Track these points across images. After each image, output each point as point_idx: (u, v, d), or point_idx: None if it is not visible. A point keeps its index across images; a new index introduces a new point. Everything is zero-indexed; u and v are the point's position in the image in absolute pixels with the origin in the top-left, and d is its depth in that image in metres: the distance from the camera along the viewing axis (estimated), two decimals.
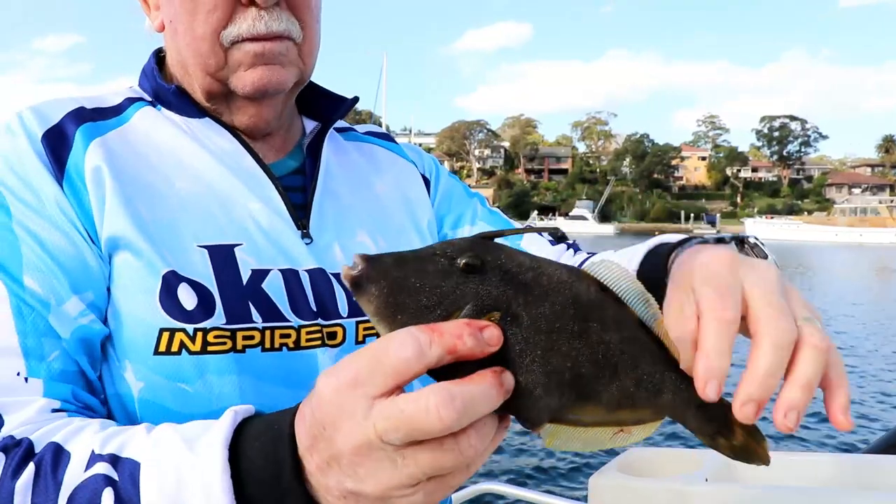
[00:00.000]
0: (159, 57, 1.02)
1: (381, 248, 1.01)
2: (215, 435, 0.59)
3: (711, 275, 0.55)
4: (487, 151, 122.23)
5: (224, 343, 0.82)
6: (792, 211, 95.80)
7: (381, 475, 0.50)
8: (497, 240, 0.54)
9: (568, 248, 1.13)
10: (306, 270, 0.92)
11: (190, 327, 0.81)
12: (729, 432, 0.56)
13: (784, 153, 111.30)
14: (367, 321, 0.93)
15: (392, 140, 1.21)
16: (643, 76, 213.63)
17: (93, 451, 0.65)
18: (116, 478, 0.62)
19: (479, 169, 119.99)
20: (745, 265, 0.57)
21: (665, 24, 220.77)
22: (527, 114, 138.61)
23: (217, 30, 0.88)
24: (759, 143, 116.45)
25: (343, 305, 0.93)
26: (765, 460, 0.56)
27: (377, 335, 0.52)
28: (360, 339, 0.94)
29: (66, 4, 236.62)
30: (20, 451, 0.67)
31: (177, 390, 0.81)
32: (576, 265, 0.83)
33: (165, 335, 0.80)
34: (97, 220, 0.83)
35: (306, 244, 0.94)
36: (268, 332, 0.85)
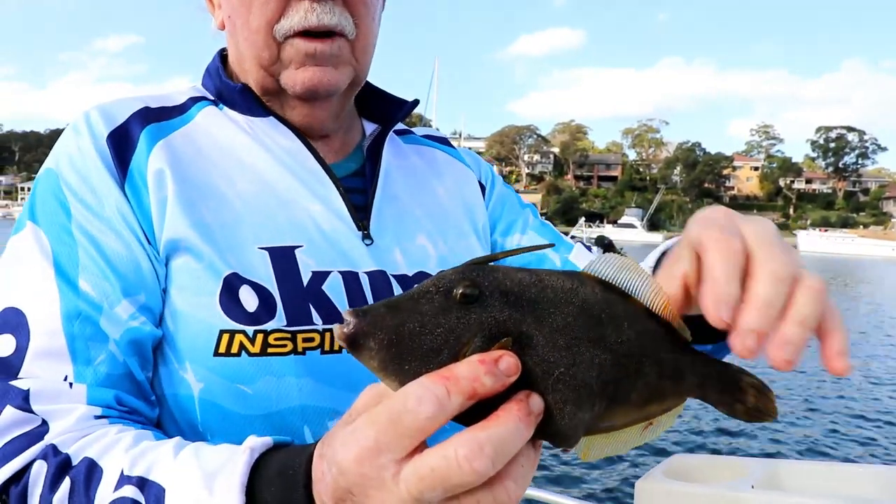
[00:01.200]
0: (222, 57, 1.03)
1: (440, 251, 1.01)
2: (233, 477, 0.59)
3: (710, 221, 0.55)
4: (537, 157, 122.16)
5: (285, 345, 0.82)
6: (847, 224, 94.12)
7: None
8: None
9: None
10: (366, 272, 0.91)
11: (250, 329, 0.81)
12: (744, 396, 0.56)
13: (840, 165, 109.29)
14: None
15: (450, 144, 1.21)
16: (697, 84, 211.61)
17: (122, 472, 0.66)
18: (143, 502, 0.64)
19: (527, 174, 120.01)
20: (741, 217, 0.57)
21: (721, 33, 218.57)
22: (577, 120, 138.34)
23: (271, 22, 0.89)
24: (815, 154, 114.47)
25: None
26: (774, 414, 0.56)
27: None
28: None
29: (127, 5, 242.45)
30: (59, 462, 0.69)
31: (236, 391, 0.81)
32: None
33: (225, 337, 0.80)
34: (156, 223, 0.84)
35: (366, 245, 0.94)
36: (327, 335, 0.85)
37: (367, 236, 0.94)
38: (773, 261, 0.52)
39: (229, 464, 0.61)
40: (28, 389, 0.73)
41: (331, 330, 0.85)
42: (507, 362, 0.47)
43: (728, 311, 0.49)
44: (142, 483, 0.65)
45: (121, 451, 0.69)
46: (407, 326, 0.48)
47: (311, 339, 0.84)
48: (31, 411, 0.72)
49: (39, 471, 0.69)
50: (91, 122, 0.88)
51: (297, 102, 0.96)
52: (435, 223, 1.04)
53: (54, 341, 0.76)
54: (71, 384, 0.75)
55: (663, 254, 0.85)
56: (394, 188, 1.03)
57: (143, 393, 0.81)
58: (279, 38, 0.90)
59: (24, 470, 0.70)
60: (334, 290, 0.88)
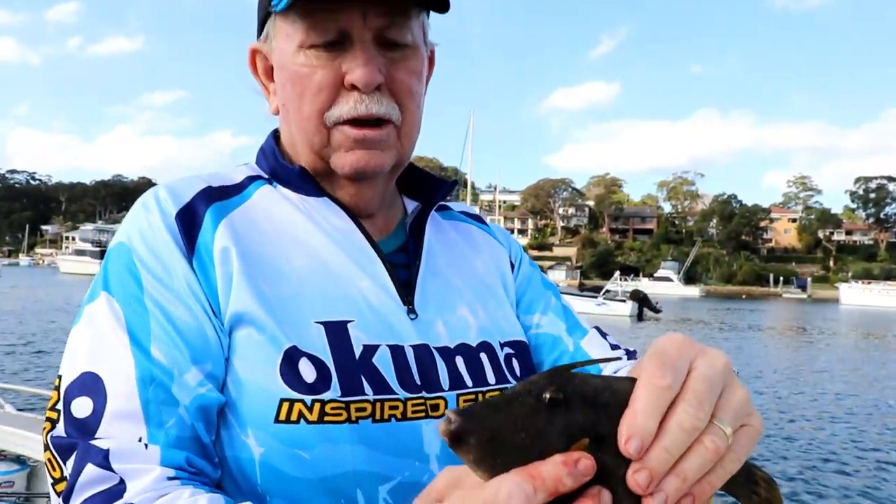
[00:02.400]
0: (276, 138, 1.10)
1: (481, 320, 1.06)
2: None
3: (659, 351, 0.57)
4: (572, 210, 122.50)
5: (340, 414, 0.86)
6: (890, 276, 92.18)
7: None
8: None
9: (626, 354, 1.17)
10: (411, 346, 0.96)
11: (308, 398, 0.86)
12: (757, 488, 0.61)
13: (881, 215, 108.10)
14: (468, 393, 0.98)
15: (484, 221, 1.28)
16: (732, 136, 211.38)
17: None
18: None
19: (562, 227, 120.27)
20: (696, 348, 0.58)
21: (758, 84, 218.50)
22: (613, 172, 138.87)
23: (322, 110, 0.95)
24: (854, 205, 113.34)
25: (444, 379, 0.97)
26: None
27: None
28: None
29: (176, 61, 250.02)
30: None
31: (295, 457, 0.85)
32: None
33: (285, 405, 0.85)
34: (222, 297, 0.89)
35: (411, 319, 0.99)
36: (378, 404, 0.89)
37: (411, 311, 0.99)
38: (688, 408, 0.53)
39: None
40: (108, 449, 0.77)
41: (381, 400, 0.90)
42: (585, 464, 0.50)
43: (636, 445, 0.52)
44: None
45: None
46: (503, 426, 0.52)
47: (364, 409, 0.88)
48: (110, 469, 0.76)
49: None
50: (160, 200, 0.94)
51: (346, 182, 1.02)
52: (475, 293, 1.10)
53: (130, 404, 0.80)
54: (146, 445, 0.79)
55: None
56: (436, 262, 1.09)
57: (208, 455, 0.86)
58: (329, 125, 0.96)
59: None
60: (383, 362, 0.92)
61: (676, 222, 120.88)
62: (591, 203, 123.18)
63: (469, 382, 0.99)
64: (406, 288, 1.01)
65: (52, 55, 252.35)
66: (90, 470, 0.76)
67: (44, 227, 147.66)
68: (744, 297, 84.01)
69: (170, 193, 0.95)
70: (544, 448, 0.52)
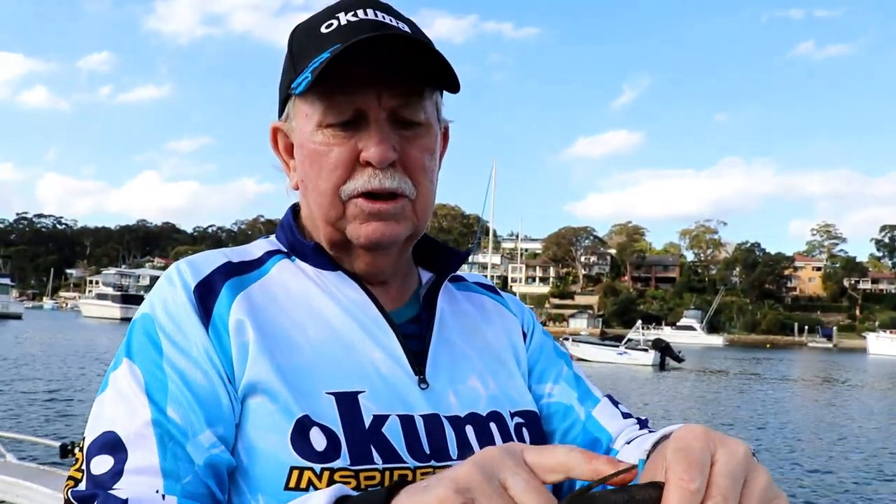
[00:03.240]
0: (294, 213, 1.15)
1: (491, 390, 1.09)
2: (320, 495, 0.69)
3: (684, 446, 0.58)
4: (594, 258, 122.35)
5: (349, 482, 0.88)
6: None
7: None
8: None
9: (637, 423, 1.18)
10: (421, 416, 0.98)
11: (318, 467, 0.88)
12: None
13: None
14: None
15: (497, 292, 1.31)
16: (756, 184, 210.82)
17: None
18: None
19: (584, 275, 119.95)
20: (717, 439, 0.60)
21: (783, 132, 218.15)
22: (635, 220, 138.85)
23: (337, 185, 0.99)
24: (880, 253, 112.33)
25: (453, 448, 0.98)
26: None
27: None
28: None
29: (202, 108, 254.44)
30: None
31: None
32: (642, 443, 1.01)
33: (295, 473, 0.87)
34: (237, 365, 0.93)
35: (422, 389, 1.01)
36: (387, 473, 0.91)
37: (423, 381, 1.01)
38: None
39: (312, 495, 0.72)
40: (127, 499, 0.80)
41: (391, 469, 0.92)
42: None
43: None
44: None
45: None
46: None
47: (373, 478, 0.90)
48: None
49: None
50: (182, 273, 1.00)
51: (362, 252, 1.05)
52: (486, 364, 1.12)
53: (148, 460, 0.84)
54: (164, 496, 0.83)
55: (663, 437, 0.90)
56: (448, 333, 1.11)
57: None
58: (344, 198, 1.00)
59: None
60: (393, 432, 0.94)
61: (699, 270, 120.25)
62: (613, 251, 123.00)
63: (477, 451, 0.98)
64: (418, 358, 1.03)
65: (82, 102, 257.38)
66: None
67: (68, 271, 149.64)
68: (768, 346, 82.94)
69: (190, 267, 1.01)
70: None
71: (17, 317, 64.29)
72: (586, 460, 0.60)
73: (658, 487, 0.56)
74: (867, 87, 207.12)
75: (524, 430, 1.08)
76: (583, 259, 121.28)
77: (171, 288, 0.99)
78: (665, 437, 0.89)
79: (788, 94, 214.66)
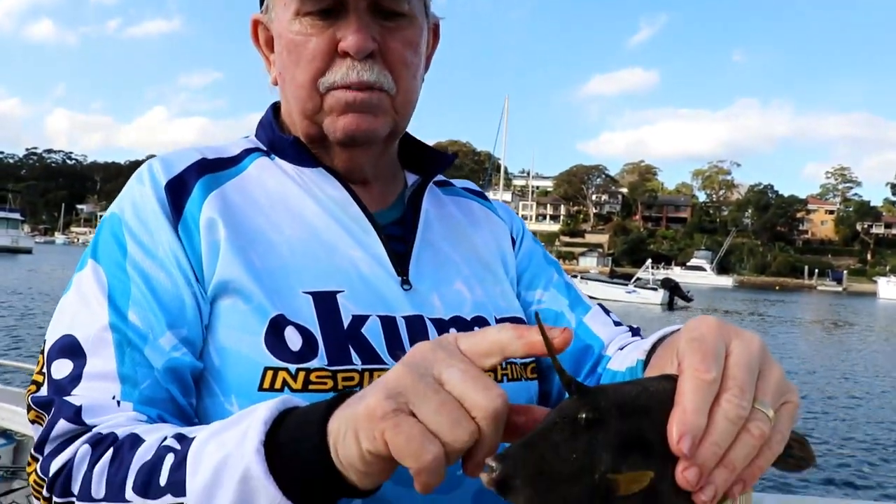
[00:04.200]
0: (275, 110, 1.12)
1: (476, 296, 1.07)
2: (258, 411, 0.67)
3: (697, 336, 0.57)
4: (605, 197, 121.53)
5: (325, 383, 0.87)
6: None
7: None
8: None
9: (629, 331, 1.17)
10: (403, 317, 0.97)
11: (293, 367, 0.86)
12: (791, 449, 0.61)
13: None
14: None
15: (486, 198, 1.29)
16: (772, 125, 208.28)
17: (164, 435, 0.74)
18: (179, 447, 0.71)
19: (595, 214, 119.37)
20: (731, 331, 0.59)
21: (801, 73, 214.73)
22: (647, 160, 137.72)
23: (315, 77, 0.96)
24: (895, 198, 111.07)
25: None
26: (814, 461, 0.63)
27: None
28: None
29: (212, 42, 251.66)
30: (107, 442, 0.76)
31: None
32: (637, 346, 1.00)
33: (269, 373, 0.86)
34: (206, 264, 0.91)
35: (405, 291, 0.99)
36: (367, 374, 0.90)
37: (405, 282, 1.00)
38: (733, 398, 0.54)
39: (256, 407, 0.68)
40: (80, 405, 0.80)
41: (370, 370, 0.91)
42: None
43: (689, 443, 0.52)
44: (180, 437, 0.73)
45: (165, 428, 0.77)
46: (547, 461, 0.51)
47: (351, 378, 0.89)
48: (82, 423, 0.80)
49: (84, 453, 0.76)
50: (153, 171, 0.96)
51: (339, 149, 1.02)
52: (471, 269, 1.10)
53: (105, 365, 0.83)
54: (119, 402, 0.82)
55: (661, 339, 0.90)
56: (432, 235, 1.09)
57: (185, 416, 0.87)
58: (322, 91, 0.97)
59: (70, 460, 0.77)
60: (373, 333, 0.93)
61: (711, 211, 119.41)
62: (625, 190, 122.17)
63: None
64: (401, 259, 1.02)
65: (90, 36, 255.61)
66: (62, 424, 0.79)
67: (79, 206, 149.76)
68: (777, 288, 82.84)
69: (163, 165, 0.97)
70: (594, 467, 0.52)
71: (28, 251, 64.41)
72: (517, 336, 0.58)
73: (672, 379, 0.56)
74: (890, 25, 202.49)
75: None
76: (594, 198, 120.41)
77: (140, 186, 0.95)
78: (664, 338, 0.89)
79: (808, 32, 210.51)
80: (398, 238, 1.05)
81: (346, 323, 0.92)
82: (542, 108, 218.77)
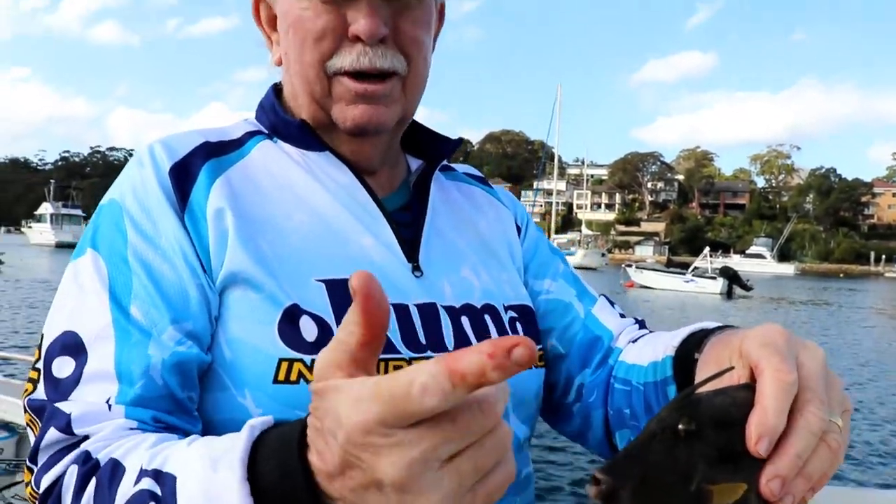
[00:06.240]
0: (276, 91, 1.07)
1: (484, 282, 1.05)
2: (234, 453, 0.60)
3: (771, 341, 0.59)
4: (660, 184, 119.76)
5: None
6: None
7: None
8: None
9: (635, 323, 1.16)
10: (416, 304, 0.95)
11: (308, 358, 0.84)
12: None
13: None
14: None
15: (488, 184, 1.27)
16: (834, 106, 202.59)
17: (142, 467, 0.69)
18: (160, 493, 0.66)
19: (651, 202, 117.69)
20: (798, 341, 0.61)
21: (865, 50, 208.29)
22: (704, 146, 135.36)
23: (323, 58, 0.93)
24: None
25: (450, 338, 0.96)
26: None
27: None
28: None
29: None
30: (89, 466, 0.73)
31: (295, 417, 0.79)
32: (654, 339, 1.01)
33: (284, 365, 0.83)
34: (214, 255, 0.87)
35: (416, 278, 0.97)
36: (382, 364, 0.87)
37: (416, 269, 0.98)
38: (814, 410, 0.56)
39: (233, 443, 0.62)
40: (70, 413, 0.77)
41: (385, 360, 0.88)
42: (520, 354, 0.45)
43: (768, 445, 0.54)
44: (157, 475, 0.67)
45: (142, 449, 0.72)
46: (648, 472, 0.53)
47: None
48: (72, 434, 0.76)
49: (71, 476, 0.73)
50: (155, 155, 0.92)
51: (347, 138, 0.99)
52: (478, 256, 1.08)
53: (105, 364, 0.79)
54: (111, 406, 0.78)
55: (693, 335, 0.90)
56: (439, 222, 1.07)
57: (185, 410, 0.84)
58: (330, 74, 0.94)
59: (59, 479, 0.74)
60: None
61: (770, 197, 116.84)
62: (681, 177, 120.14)
63: (474, 342, 0.97)
64: (410, 246, 0.99)
65: (151, 36, 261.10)
66: (52, 434, 0.77)
67: None
68: (841, 275, 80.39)
69: (165, 148, 0.93)
70: (692, 478, 0.54)
71: None
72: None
73: (750, 389, 0.58)
74: None
75: (518, 324, 1.06)
76: (649, 185, 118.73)
77: (141, 170, 0.91)
78: (696, 334, 0.90)
79: (872, 7, 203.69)
80: (405, 224, 1.02)
81: None
82: (595, 96, 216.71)
